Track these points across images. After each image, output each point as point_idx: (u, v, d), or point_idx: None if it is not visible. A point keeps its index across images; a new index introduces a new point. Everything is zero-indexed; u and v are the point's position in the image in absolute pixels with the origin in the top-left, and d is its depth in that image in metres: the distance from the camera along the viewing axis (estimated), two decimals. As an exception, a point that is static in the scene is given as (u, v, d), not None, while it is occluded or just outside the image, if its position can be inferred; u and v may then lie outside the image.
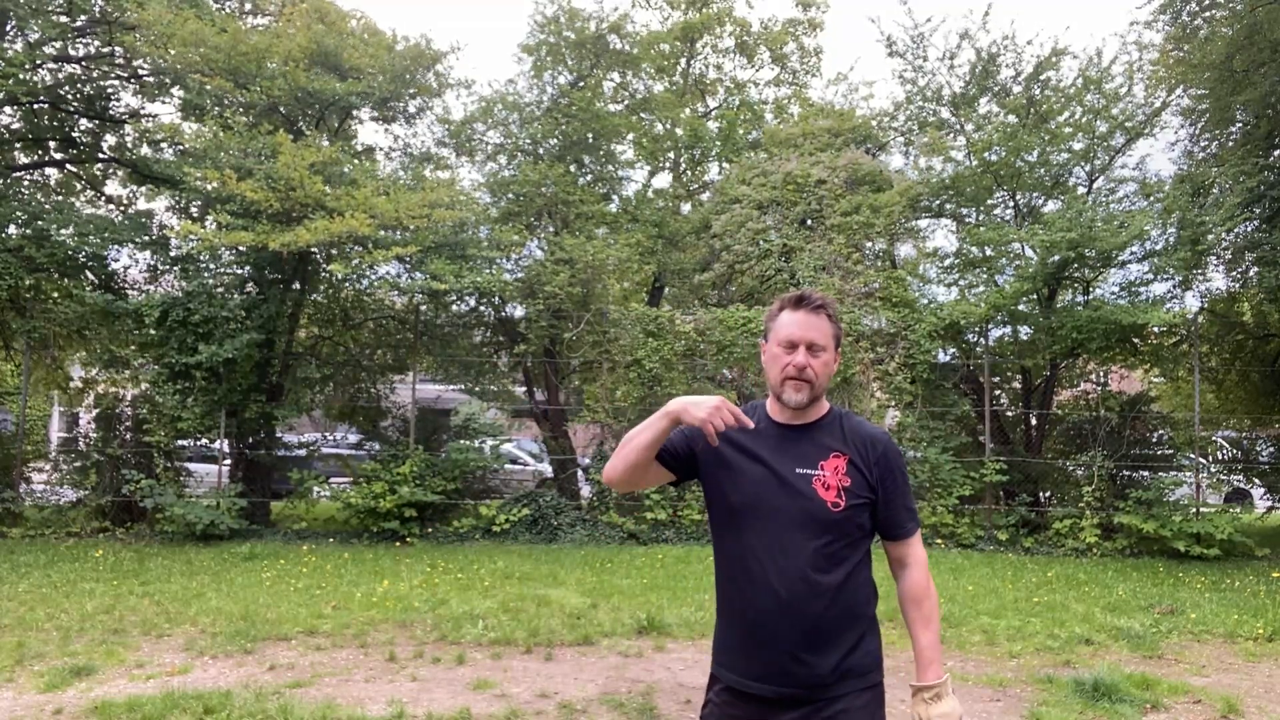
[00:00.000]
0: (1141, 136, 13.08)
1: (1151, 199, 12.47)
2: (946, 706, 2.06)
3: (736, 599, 2.08)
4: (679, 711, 4.86)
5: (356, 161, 12.28)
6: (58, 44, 12.59)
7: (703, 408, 1.95)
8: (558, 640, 6.31)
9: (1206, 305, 13.78)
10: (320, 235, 10.11)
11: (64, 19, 12.33)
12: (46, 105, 12.98)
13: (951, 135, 13.79)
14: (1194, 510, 11.13)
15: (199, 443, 12.50)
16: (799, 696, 2.01)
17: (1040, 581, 8.90)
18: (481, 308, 13.48)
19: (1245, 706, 5.06)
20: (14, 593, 7.50)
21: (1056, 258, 11.35)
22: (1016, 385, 13.59)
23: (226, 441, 11.91)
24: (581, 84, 14.31)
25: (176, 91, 12.87)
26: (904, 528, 2.17)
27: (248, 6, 14.23)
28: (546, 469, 15.36)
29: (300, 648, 6.02)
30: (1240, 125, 12.96)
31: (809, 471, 2.06)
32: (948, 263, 13.95)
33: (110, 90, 13.34)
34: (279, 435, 12.92)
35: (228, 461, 12.07)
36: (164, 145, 13.05)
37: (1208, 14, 12.77)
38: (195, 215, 12.35)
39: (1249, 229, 12.54)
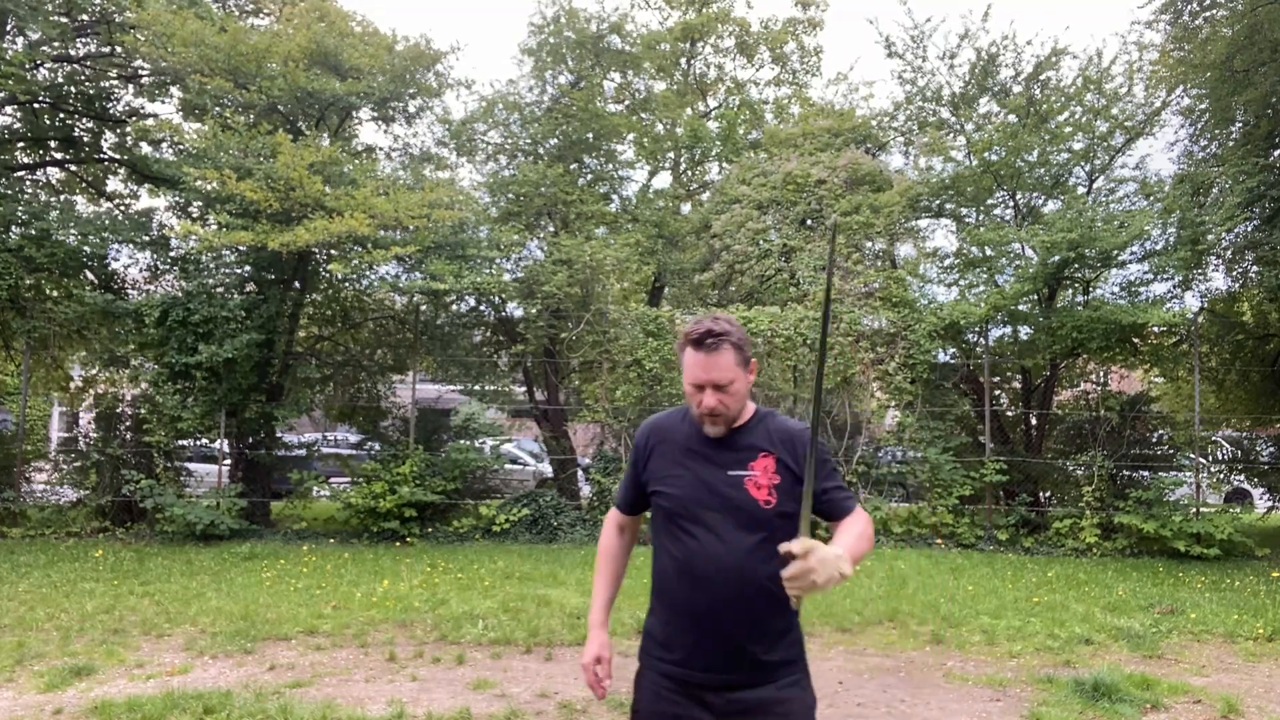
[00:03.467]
0: (1141, 136, 13.09)
1: (1151, 199, 12.47)
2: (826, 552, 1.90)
3: (683, 596, 2.17)
4: (679, 711, 4.85)
5: (356, 161, 12.28)
6: (58, 44, 12.59)
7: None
8: (558, 640, 6.30)
9: (1206, 305, 13.78)
10: (320, 235, 10.11)
11: (64, 19, 12.32)
12: (47, 105, 12.98)
13: (951, 135, 13.79)
14: (1194, 510, 11.13)
15: (199, 443, 12.50)
16: (740, 681, 2.12)
17: (1040, 581, 8.90)
18: (481, 308, 13.47)
19: (1245, 706, 5.06)
20: (14, 593, 7.50)
21: (1056, 258, 11.34)
22: (1016, 385, 13.60)
23: (226, 441, 11.91)
24: (582, 84, 14.31)
25: (176, 91, 12.88)
26: (843, 505, 2.19)
27: (248, 6, 14.23)
28: (546, 469, 15.37)
29: (300, 648, 6.02)
30: (1240, 125, 12.96)
31: (741, 473, 2.17)
32: (948, 263, 13.96)
33: (110, 90, 13.34)
34: (279, 435, 12.92)
35: (228, 461, 12.07)
36: (164, 145, 13.05)
37: (1208, 14, 12.76)
38: (195, 215, 12.35)
39: (1249, 229, 12.54)
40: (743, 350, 2.18)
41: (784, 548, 1.87)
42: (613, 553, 2.44)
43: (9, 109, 12.73)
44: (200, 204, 11.96)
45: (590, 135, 14.12)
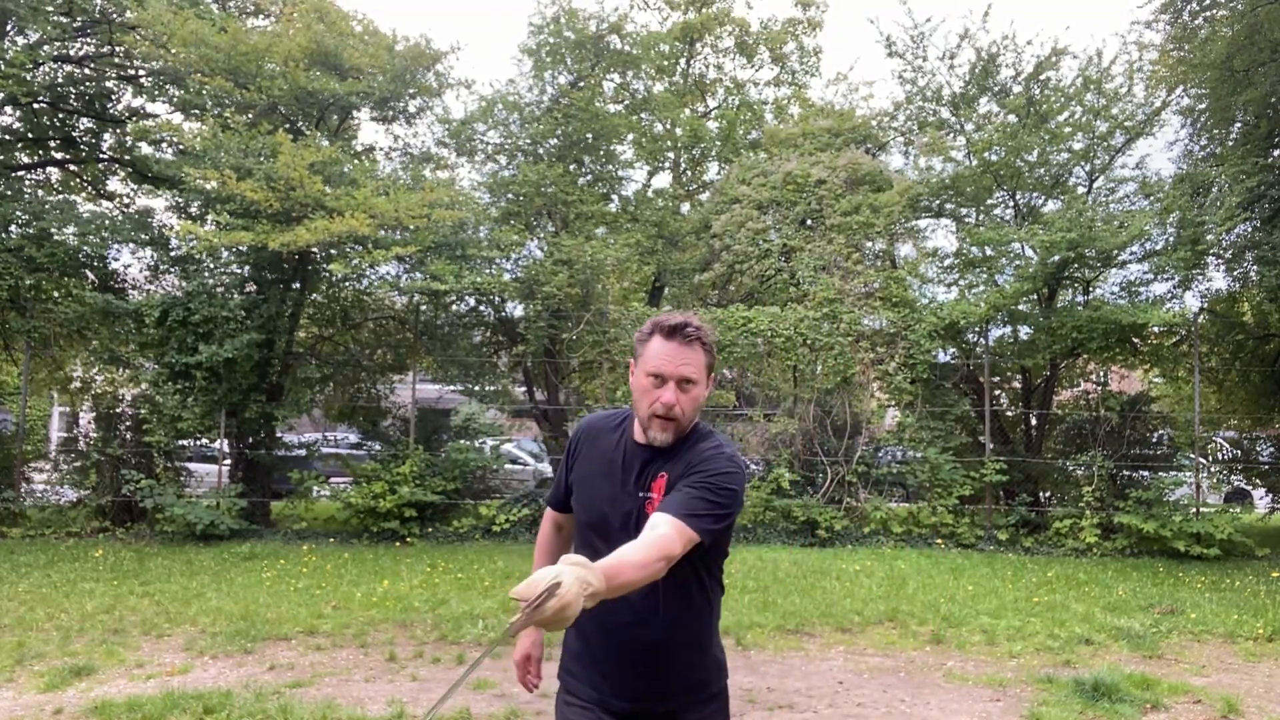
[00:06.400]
0: (1141, 136, 13.10)
1: (1151, 199, 12.47)
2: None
3: (591, 621, 1.97)
4: (679, 711, 4.85)
5: (356, 161, 12.27)
6: (58, 44, 12.58)
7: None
8: (557, 640, 6.27)
9: (1206, 305, 13.78)
10: (320, 235, 10.10)
11: (64, 19, 12.32)
12: (47, 105, 12.97)
13: (951, 135, 13.80)
14: (1194, 510, 11.13)
15: (199, 443, 12.49)
16: (650, 711, 2.06)
17: (1040, 581, 8.90)
18: (481, 308, 13.47)
19: (1245, 706, 5.06)
20: (14, 593, 7.50)
21: (1056, 258, 11.35)
22: (1016, 385, 13.59)
23: (226, 441, 11.91)
24: (581, 84, 14.31)
25: (176, 91, 12.88)
26: (665, 507, 1.93)
27: (248, 6, 14.23)
28: (546, 469, 15.37)
29: (300, 648, 6.02)
30: (1240, 125, 12.96)
31: (645, 495, 2.02)
32: (948, 263, 13.96)
33: (110, 90, 13.34)
34: (279, 435, 12.91)
35: (228, 461, 12.07)
36: (164, 144, 13.05)
37: (1208, 14, 12.77)
38: (195, 215, 12.35)
39: (1249, 229, 12.55)
40: (713, 354, 2.04)
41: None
42: (549, 548, 2.37)
43: (9, 109, 12.73)
44: (200, 204, 11.96)
45: (590, 135, 14.11)
